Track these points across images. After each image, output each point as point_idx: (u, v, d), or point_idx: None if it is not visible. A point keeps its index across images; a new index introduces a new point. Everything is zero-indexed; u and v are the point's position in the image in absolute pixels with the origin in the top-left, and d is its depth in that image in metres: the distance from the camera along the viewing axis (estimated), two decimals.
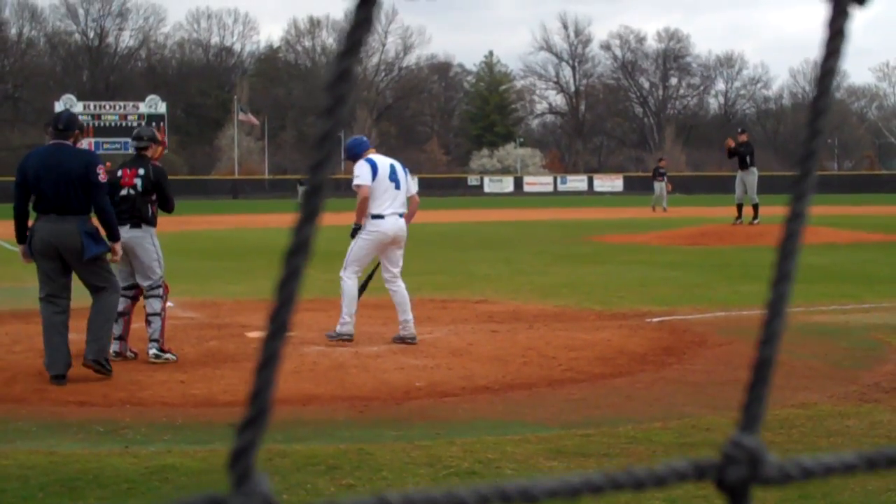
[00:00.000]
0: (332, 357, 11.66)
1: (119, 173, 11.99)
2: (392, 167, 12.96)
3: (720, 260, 24.87)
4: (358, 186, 12.72)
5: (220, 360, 11.61)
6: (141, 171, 11.89)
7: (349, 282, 12.73)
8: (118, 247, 11.16)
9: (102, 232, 10.96)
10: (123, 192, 11.84)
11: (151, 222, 11.89)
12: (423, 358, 11.57)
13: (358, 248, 12.82)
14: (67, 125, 11.13)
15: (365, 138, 13.67)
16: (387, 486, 6.79)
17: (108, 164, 11.45)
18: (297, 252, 0.90)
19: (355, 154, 13.10)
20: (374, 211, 12.71)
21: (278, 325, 0.91)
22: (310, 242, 0.90)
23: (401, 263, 13.01)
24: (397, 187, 12.89)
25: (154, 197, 11.97)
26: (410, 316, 12.75)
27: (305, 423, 8.88)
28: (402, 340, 12.68)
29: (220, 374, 10.79)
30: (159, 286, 11.89)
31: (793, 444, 7.92)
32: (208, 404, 9.63)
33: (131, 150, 12.33)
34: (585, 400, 9.77)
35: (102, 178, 10.95)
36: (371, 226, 12.73)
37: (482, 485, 0.93)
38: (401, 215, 12.87)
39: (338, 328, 12.63)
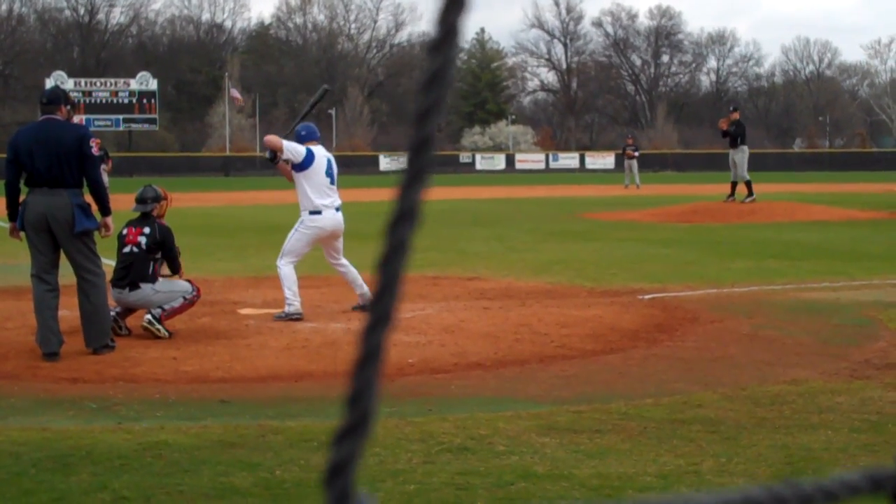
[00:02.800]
0: (325, 334, 11.67)
1: (124, 231, 11.98)
2: (329, 161, 13.31)
3: (712, 237, 24.90)
4: (284, 165, 13.22)
5: (212, 336, 11.61)
6: (146, 230, 11.89)
7: (286, 268, 12.99)
8: (109, 220, 11.17)
9: (94, 208, 10.97)
10: (126, 249, 11.86)
11: (150, 280, 11.82)
12: (415, 335, 11.58)
13: (295, 239, 13.16)
14: (51, 99, 11.15)
15: (316, 129, 13.80)
16: (379, 462, 6.80)
17: (97, 140, 11.42)
18: (403, 221, 0.77)
19: (300, 138, 13.37)
20: (312, 207, 13.06)
21: (381, 312, 0.76)
22: (417, 209, 0.76)
23: (341, 249, 13.36)
24: (332, 182, 13.29)
25: (158, 255, 11.99)
26: (366, 287, 13.24)
27: (298, 399, 8.90)
28: (363, 309, 13.01)
29: (213, 351, 10.79)
30: (193, 290, 11.98)
31: (784, 421, 7.94)
32: (200, 381, 9.64)
33: (136, 212, 12.21)
34: (577, 376, 9.79)
35: (95, 151, 10.95)
36: (310, 220, 13.10)
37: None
38: (337, 209, 13.21)
39: (286, 309, 12.77)
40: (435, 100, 0.81)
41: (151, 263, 11.86)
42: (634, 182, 55.67)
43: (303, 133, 13.42)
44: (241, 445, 7.25)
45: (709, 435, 7.52)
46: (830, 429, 7.69)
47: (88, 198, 10.98)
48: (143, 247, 11.78)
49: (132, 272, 11.73)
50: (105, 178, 12.30)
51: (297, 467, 6.71)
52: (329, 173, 13.21)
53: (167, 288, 11.86)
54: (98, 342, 10.86)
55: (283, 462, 6.83)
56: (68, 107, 11.30)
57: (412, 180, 0.80)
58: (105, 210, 11.08)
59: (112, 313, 11.57)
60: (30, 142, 10.85)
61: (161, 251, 11.94)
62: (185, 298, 11.87)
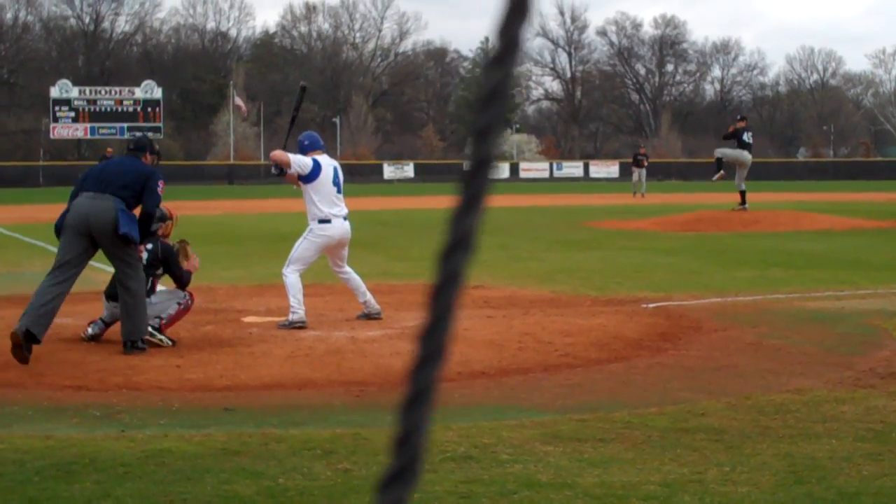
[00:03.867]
0: (329, 342, 11.66)
1: None
2: (335, 170, 13.35)
3: (716, 246, 24.88)
4: (292, 174, 13.04)
5: (215, 344, 11.61)
6: (149, 246, 12.01)
7: (293, 276, 12.99)
8: (142, 249, 11.54)
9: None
10: None
11: (147, 295, 11.87)
12: None
13: (304, 248, 13.16)
14: (138, 145, 11.94)
15: (319, 137, 13.81)
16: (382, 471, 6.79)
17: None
18: (457, 249, 0.66)
19: (303, 148, 13.43)
20: (321, 215, 13.06)
21: (432, 348, 0.67)
22: (473, 237, 0.67)
23: (346, 258, 13.39)
24: (339, 191, 13.31)
25: (159, 271, 12.15)
26: (369, 295, 13.28)
27: (302, 407, 8.89)
28: (367, 317, 13.20)
29: (216, 359, 10.79)
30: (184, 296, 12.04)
31: (788, 430, 7.93)
32: (204, 389, 9.63)
33: None
34: (581, 385, 9.78)
35: (160, 191, 11.49)
36: (319, 229, 13.09)
37: None
38: (345, 218, 13.25)
39: (290, 317, 12.80)
40: (495, 116, 0.75)
41: (150, 279, 11.91)
42: (640, 191, 56.09)
43: (306, 143, 13.45)
44: (244, 453, 7.25)
45: (713, 444, 7.50)
46: (835, 438, 7.68)
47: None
48: (145, 262, 11.81)
49: None
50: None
51: (300, 475, 6.70)
52: (336, 182, 13.22)
53: (159, 299, 11.94)
54: (129, 336, 11.10)
55: (287, 470, 6.82)
56: (154, 156, 11.95)
57: (468, 205, 0.72)
58: (144, 237, 11.47)
59: (91, 332, 11.70)
60: (100, 167, 11.71)
61: (162, 267, 12.03)
62: (179, 304, 11.92)
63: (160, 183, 11.43)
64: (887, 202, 47.43)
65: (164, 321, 11.68)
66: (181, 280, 12.13)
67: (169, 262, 12.05)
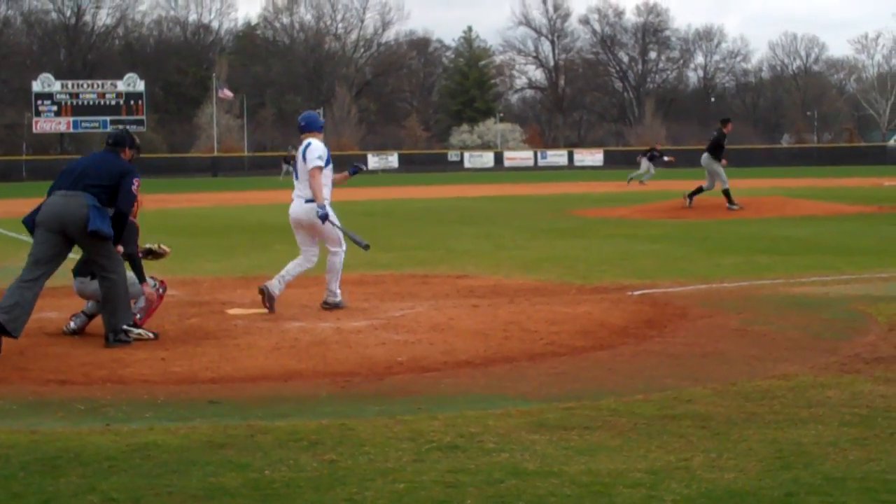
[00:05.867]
0: (314, 333, 11.64)
1: None
2: (302, 153, 13.45)
3: (700, 233, 24.91)
4: (319, 168, 13.13)
5: (200, 337, 11.57)
6: None
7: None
8: (119, 248, 11.41)
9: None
10: None
11: None
12: (404, 333, 11.56)
13: (334, 228, 13.35)
14: (117, 140, 11.70)
15: (317, 116, 13.90)
16: (369, 461, 6.78)
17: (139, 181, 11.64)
18: None
19: (320, 127, 13.67)
20: (328, 198, 13.34)
21: None
22: None
23: (320, 239, 13.59)
24: (296, 177, 13.56)
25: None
26: (332, 285, 13.42)
27: (287, 399, 8.87)
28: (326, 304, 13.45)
29: (201, 352, 10.76)
30: (155, 284, 11.96)
31: (774, 416, 7.93)
32: (189, 381, 9.60)
33: None
34: (567, 373, 9.77)
35: (135, 189, 11.31)
36: (331, 210, 13.29)
37: None
38: (302, 199, 13.42)
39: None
40: None
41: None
42: (641, 178, 56.41)
43: (302, 124, 13.54)
44: (230, 446, 7.22)
45: (699, 430, 7.50)
46: (820, 423, 7.68)
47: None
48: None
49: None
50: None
51: (286, 467, 6.68)
52: (297, 166, 13.47)
53: (130, 281, 11.80)
54: (109, 328, 11.08)
55: (273, 462, 6.80)
56: (133, 150, 11.74)
57: None
58: (117, 239, 11.27)
59: (74, 326, 11.68)
60: (78, 162, 11.52)
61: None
62: (154, 301, 11.81)
63: (135, 181, 11.29)
64: (871, 187, 47.55)
65: (138, 317, 11.62)
66: (139, 272, 11.96)
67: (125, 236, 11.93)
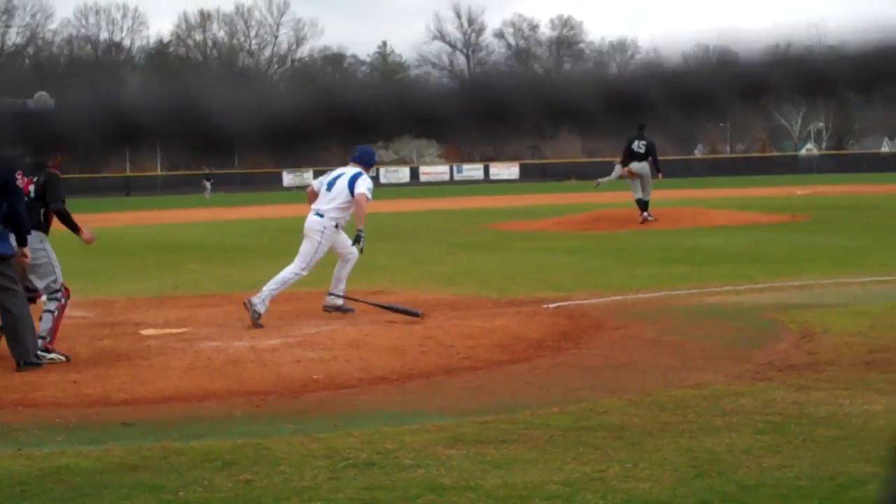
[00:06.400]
0: (228, 352, 11.54)
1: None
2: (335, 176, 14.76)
3: (616, 244, 25.05)
4: (368, 200, 14.53)
5: (113, 358, 11.43)
6: (36, 179, 11.71)
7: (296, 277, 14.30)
8: (27, 250, 11.05)
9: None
10: None
11: (42, 229, 11.68)
12: (320, 350, 11.50)
13: (310, 246, 14.38)
14: None
15: (373, 152, 15.65)
16: (284, 480, 6.74)
17: (22, 174, 11.36)
18: None
19: (370, 164, 15.11)
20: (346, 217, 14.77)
21: None
22: None
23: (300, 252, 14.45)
24: (328, 189, 14.66)
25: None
26: (266, 291, 13.63)
27: (201, 419, 8.80)
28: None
29: (114, 373, 10.62)
30: (58, 290, 11.73)
31: (688, 425, 7.98)
32: (102, 404, 9.49)
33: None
34: (483, 387, 9.78)
35: (20, 183, 11.01)
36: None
37: None
38: (318, 214, 14.55)
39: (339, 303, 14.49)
40: None
41: (42, 211, 11.69)
42: (600, 181, 56.43)
43: (357, 154, 14.72)
44: (143, 468, 7.15)
45: (614, 441, 7.54)
46: (734, 431, 7.75)
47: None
48: (32, 195, 11.59)
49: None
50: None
51: (200, 488, 6.62)
52: (329, 184, 14.57)
53: (52, 256, 11.65)
54: (23, 357, 10.81)
55: (187, 483, 6.74)
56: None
57: None
58: (21, 240, 10.96)
59: None
60: None
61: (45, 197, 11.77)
62: (53, 313, 11.62)
63: (18, 175, 10.92)
64: (783, 196, 48.14)
65: (47, 339, 11.44)
66: (68, 222, 11.83)
67: (46, 189, 11.79)
